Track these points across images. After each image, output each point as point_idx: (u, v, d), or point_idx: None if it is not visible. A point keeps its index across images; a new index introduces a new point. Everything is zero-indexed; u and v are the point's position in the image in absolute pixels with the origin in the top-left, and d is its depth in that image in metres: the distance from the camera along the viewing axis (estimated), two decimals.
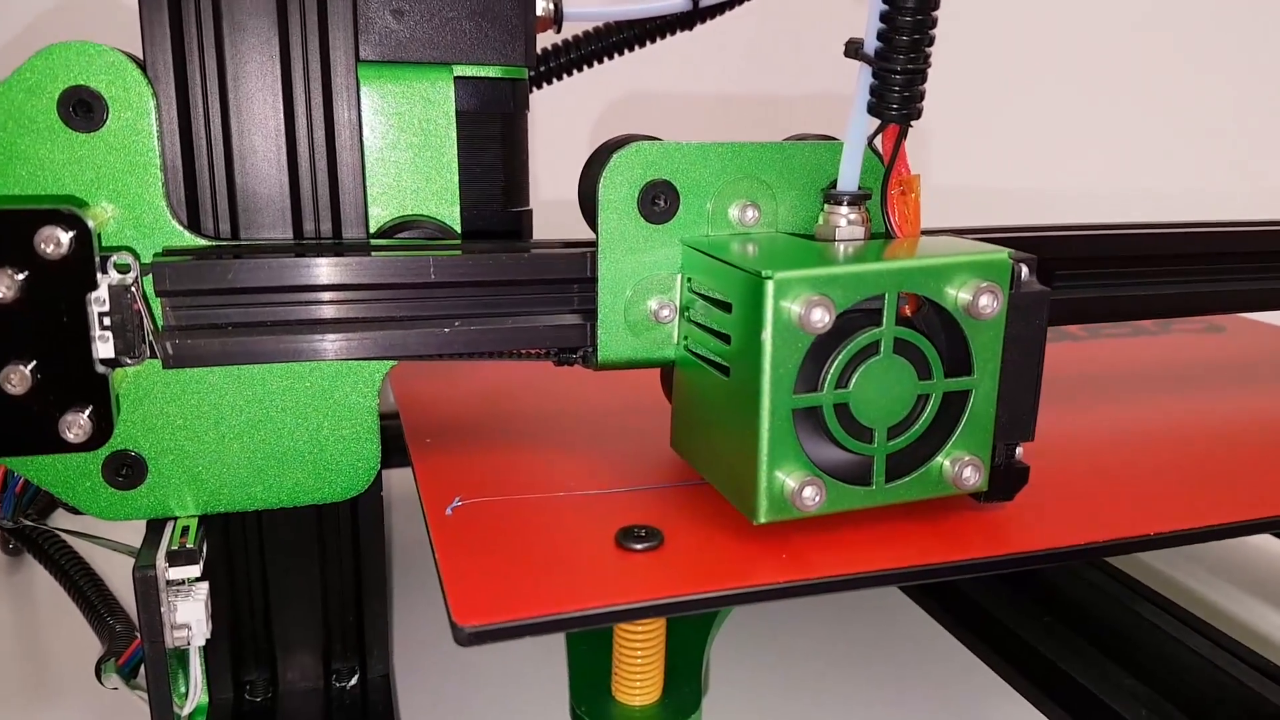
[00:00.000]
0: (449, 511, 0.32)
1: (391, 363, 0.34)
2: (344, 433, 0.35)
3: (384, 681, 0.40)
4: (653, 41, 0.46)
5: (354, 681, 0.40)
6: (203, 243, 0.33)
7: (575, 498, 0.34)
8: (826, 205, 0.33)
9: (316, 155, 0.35)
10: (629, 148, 0.33)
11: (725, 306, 0.31)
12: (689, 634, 0.34)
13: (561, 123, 0.80)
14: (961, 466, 0.31)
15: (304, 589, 0.39)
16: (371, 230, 0.36)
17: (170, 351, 0.31)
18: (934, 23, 0.31)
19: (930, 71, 0.32)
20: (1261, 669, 0.35)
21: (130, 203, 0.32)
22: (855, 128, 0.32)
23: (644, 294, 0.34)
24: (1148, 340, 0.57)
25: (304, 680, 0.40)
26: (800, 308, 0.28)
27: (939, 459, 0.31)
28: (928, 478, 0.31)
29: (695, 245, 0.33)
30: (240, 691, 0.39)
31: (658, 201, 0.34)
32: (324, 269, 0.32)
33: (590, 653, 0.33)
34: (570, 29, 0.44)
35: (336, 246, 0.34)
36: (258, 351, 0.32)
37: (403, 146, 0.36)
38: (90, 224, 0.30)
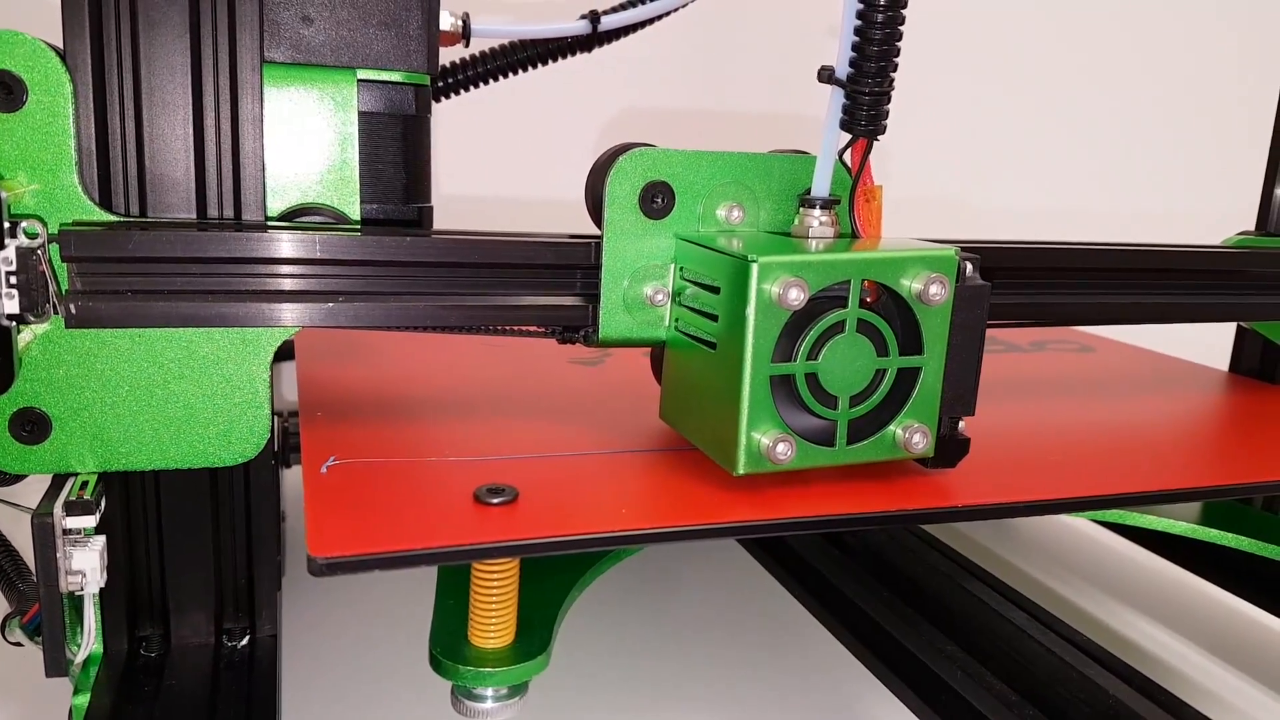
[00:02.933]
0: (324, 469, 0.35)
1: (284, 333, 0.37)
2: (237, 399, 0.38)
3: (271, 641, 0.42)
4: (555, 60, 0.50)
5: (245, 641, 0.43)
6: (111, 218, 0.36)
7: (446, 463, 0.37)
8: (801, 208, 0.38)
9: (222, 145, 0.38)
10: (634, 152, 0.38)
11: (714, 289, 0.35)
12: (546, 591, 0.37)
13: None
14: (911, 433, 0.36)
15: (198, 550, 0.41)
16: (274, 215, 0.39)
17: (73, 312, 0.34)
18: (898, 51, 0.36)
19: (895, 95, 0.37)
20: (1069, 639, 0.38)
21: (45, 178, 0.35)
22: (827, 142, 0.37)
23: (641, 280, 0.38)
24: (1020, 356, 0.61)
25: (196, 637, 0.42)
26: (779, 288, 0.33)
27: (892, 426, 0.36)
28: (883, 442, 0.36)
29: (688, 238, 0.38)
30: (135, 646, 0.42)
31: (656, 199, 0.38)
32: (217, 243, 0.35)
33: (456, 606, 0.36)
34: (478, 44, 0.48)
35: (234, 225, 0.37)
36: (153, 316, 0.35)
37: (306, 141, 0.39)
38: (2, 193, 0.33)
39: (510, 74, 0.50)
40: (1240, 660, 0.54)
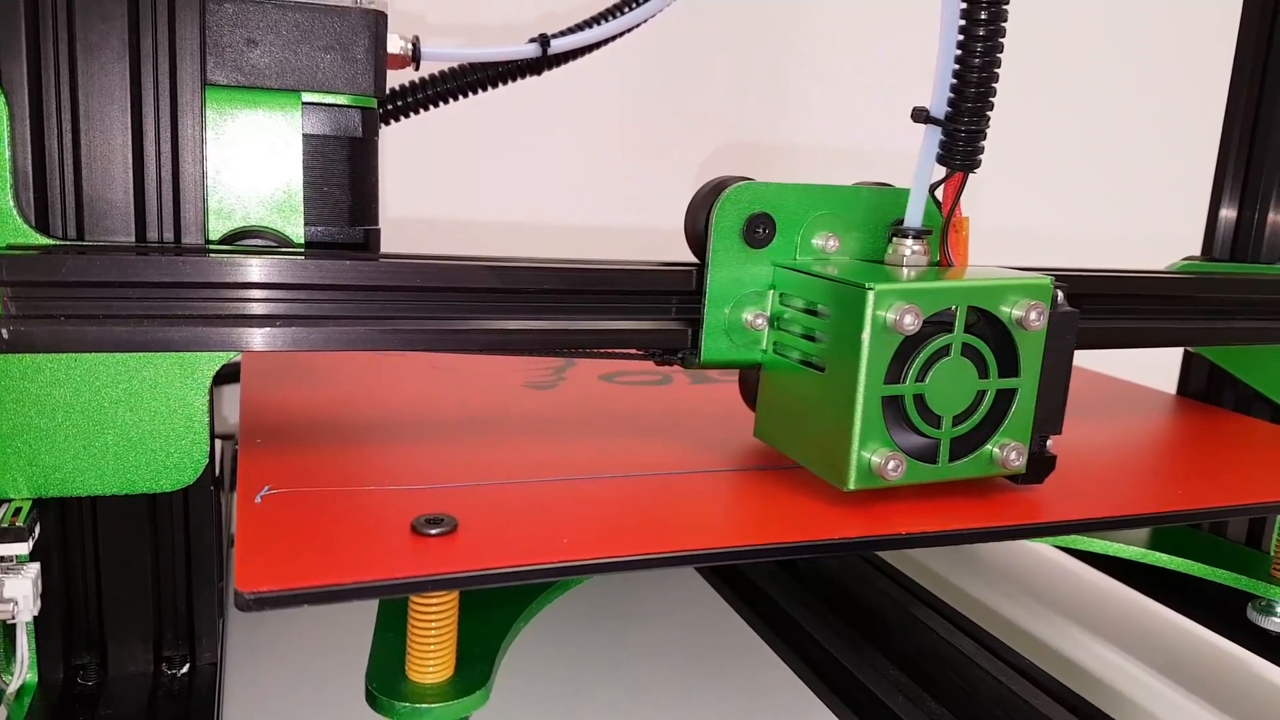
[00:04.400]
0: (258, 499, 0.34)
1: (222, 358, 0.37)
2: (175, 425, 0.37)
3: (212, 670, 0.42)
4: (505, 83, 0.50)
5: (185, 670, 0.42)
6: (48, 241, 0.36)
7: (386, 491, 0.36)
8: (894, 238, 0.39)
9: (162, 167, 0.37)
10: (740, 185, 0.39)
11: (824, 315, 0.37)
12: (489, 622, 0.36)
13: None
14: (1008, 451, 0.37)
15: (136, 577, 0.41)
16: (216, 238, 0.39)
17: (5, 336, 0.33)
18: (995, 90, 0.37)
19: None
20: (1013, 664, 0.38)
21: None
22: (921, 177, 0.38)
23: (741, 306, 0.40)
24: None
25: (134, 666, 0.41)
26: (894, 314, 0.35)
27: (990, 445, 0.37)
28: (980, 459, 0.38)
29: (793, 266, 0.39)
30: (71, 675, 0.41)
31: (759, 230, 0.40)
32: (152, 268, 0.34)
33: (396, 639, 0.35)
34: (428, 67, 0.48)
35: (173, 249, 0.37)
36: (88, 341, 0.34)
37: (248, 163, 0.39)
38: None
39: (462, 97, 0.50)
40: (1189, 681, 0.54)
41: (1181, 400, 0.60)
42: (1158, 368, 0.63)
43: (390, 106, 0.49)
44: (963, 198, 0.39)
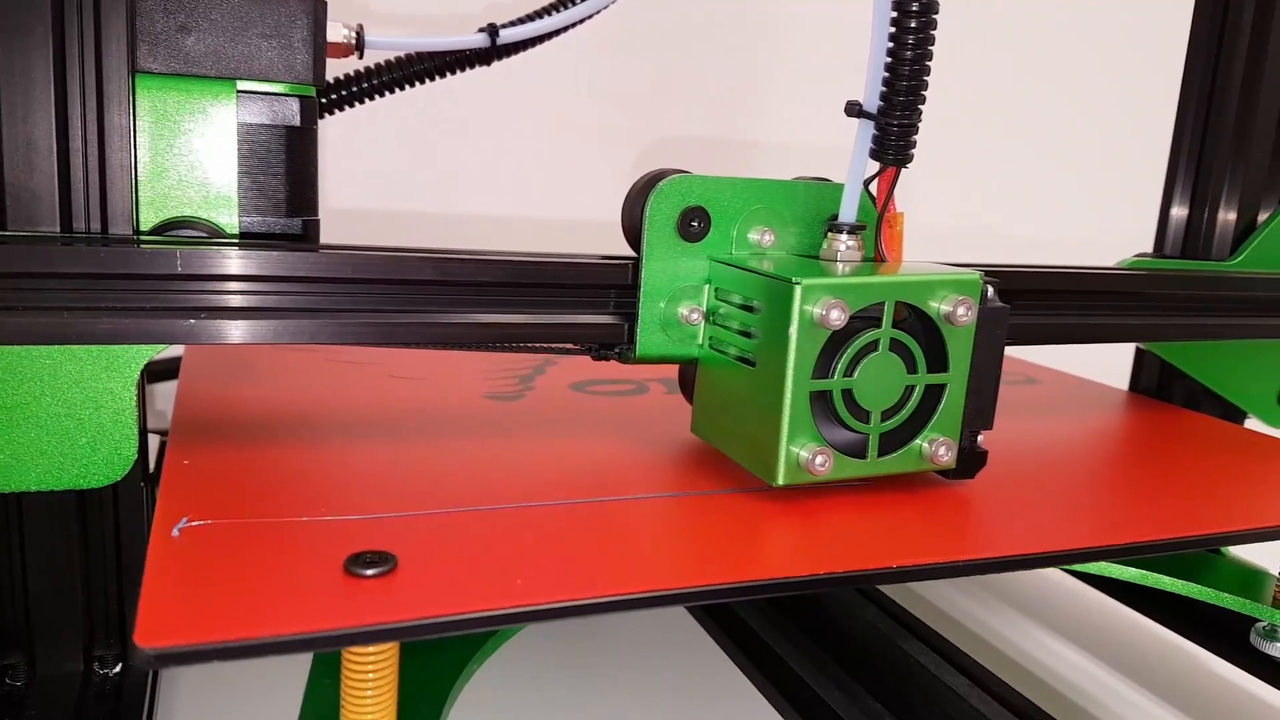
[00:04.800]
0: (175, 532, 0.31)
1: (150, 351, 0.36)
2: (101, 420, 0.36)
3: (144, 669, 0.41)
4: (452, 73, 0.49)
5: (117, 669, 0.41)
6: None
7: (320, 523, 0.33)
8: (829, 233, 0.39)
9: (89, 157, 0.36)
10: (674, 178, 0.39)
11: (755, 310, 0.37)
12: (435, 668, 0.34)
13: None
14: (937, 446, 0.37)
15: (65, 574, 0.40)
16: (148, 229, 0.38)
17: None
18: (926, 85, 0.36)
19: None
20: (1008, 702, 0.37)
21: None
22: (855, 170, 0.38)
23: (677, 300, 0.40)
24: None
25: (64, 666, 0.40)
26: (821, 309, 0.34)
27: (918, 440, 0.38)
28: (910, 454, 0.38)
29: (726, 260, 0.39)
30: None
31: (693, 223, 0.39)
32: (70, 258, 0.34)
33: (332, 686, 0.32)
34: (373, 56, 0.47)
35: (100, 240, 0.36)
36: (8, 332, 0.33)
37: (181, 153, 0.38)
38: None
39: (408, 87, 0.49)
40: (1188, 705, 0.53)
41: (1134, 396, 0.60)
42: (1109, 363, 0.63)
43: (333, 96, 0.48)
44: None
